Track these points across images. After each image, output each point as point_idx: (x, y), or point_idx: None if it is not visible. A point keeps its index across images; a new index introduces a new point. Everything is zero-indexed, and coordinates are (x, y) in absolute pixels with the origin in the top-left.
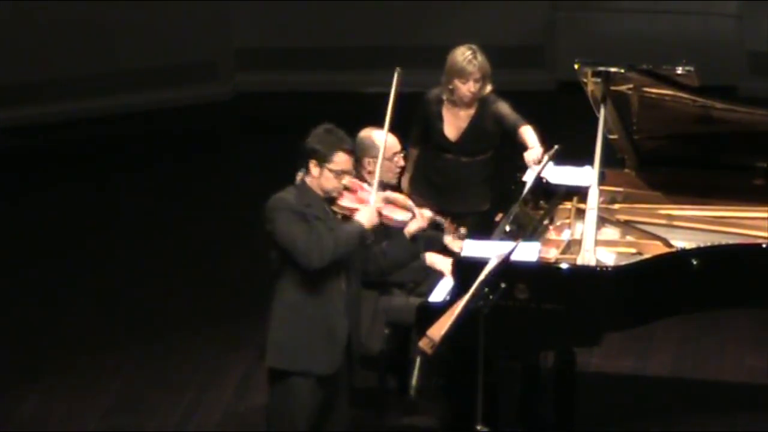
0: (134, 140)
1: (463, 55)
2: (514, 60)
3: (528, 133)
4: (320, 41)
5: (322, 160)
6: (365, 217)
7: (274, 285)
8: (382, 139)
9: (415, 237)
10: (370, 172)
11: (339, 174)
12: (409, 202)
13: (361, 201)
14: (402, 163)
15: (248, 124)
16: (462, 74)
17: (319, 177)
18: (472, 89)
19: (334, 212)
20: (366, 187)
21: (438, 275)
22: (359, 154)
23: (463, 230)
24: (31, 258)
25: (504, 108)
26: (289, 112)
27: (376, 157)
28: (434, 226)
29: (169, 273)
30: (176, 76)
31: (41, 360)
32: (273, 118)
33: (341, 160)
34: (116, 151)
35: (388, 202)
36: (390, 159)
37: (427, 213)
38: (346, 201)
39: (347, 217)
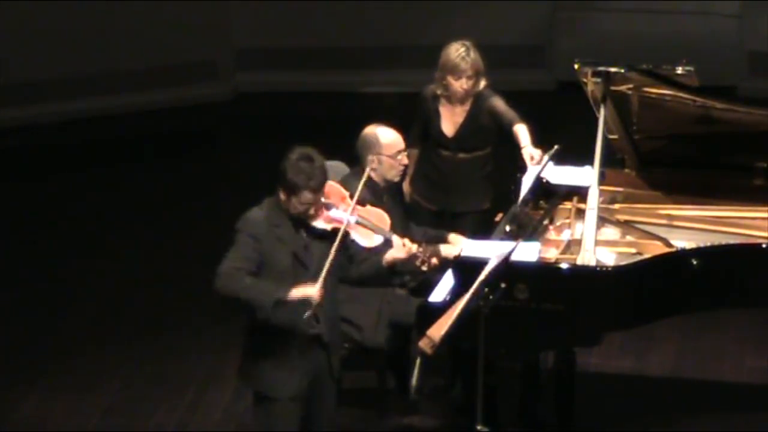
0: (134, 140)
1: (457, 51)
2: (514, 60)
3: (521, 132)
4: (320, 41)
5: (290, 191)
6: (309, 292)
7: None
8: (386, 137)
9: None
10: (373, 170)
11: (305, 205)
12: (385, 229)
13: (333, 221)
14: (406, 161)
15: (248, 124)
16: (455, 71)
17: (286, 202)
18: (465, 86)
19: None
20: (340, 207)
21: (438, 275)
22: (362, 151)
23: (435, 261)
24: (31, 257)
25: (498, 104)
26: (289, 112)
27: (379, 154)
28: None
29: (169, 273)
30: (176, 76)
31: (41, 360)
32: (273, 118)
33: (306, 198)
34: (116, 151)
35: (359, 224)
36: (393, 157)
37: (409, 244)
38: (317, 222)
39: (318, 236)
